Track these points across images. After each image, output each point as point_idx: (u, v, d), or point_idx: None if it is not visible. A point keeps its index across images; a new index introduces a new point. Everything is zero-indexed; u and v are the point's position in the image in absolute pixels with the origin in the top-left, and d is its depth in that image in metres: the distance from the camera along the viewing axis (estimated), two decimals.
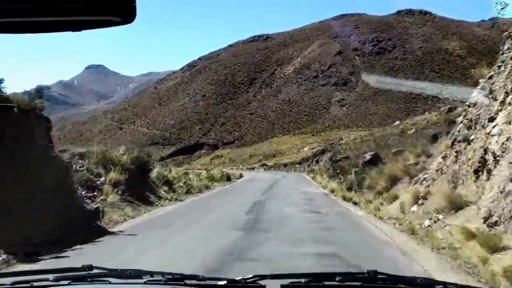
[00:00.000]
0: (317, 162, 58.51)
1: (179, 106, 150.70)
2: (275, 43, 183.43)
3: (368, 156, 25.64)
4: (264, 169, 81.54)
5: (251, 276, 2.11)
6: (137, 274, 2.18)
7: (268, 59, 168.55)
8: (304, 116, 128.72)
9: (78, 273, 2.19)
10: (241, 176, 46.47)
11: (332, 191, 21.91)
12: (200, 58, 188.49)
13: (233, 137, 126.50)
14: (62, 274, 2.14)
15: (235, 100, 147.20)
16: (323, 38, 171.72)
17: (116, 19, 1.50)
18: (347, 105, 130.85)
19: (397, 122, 55.21)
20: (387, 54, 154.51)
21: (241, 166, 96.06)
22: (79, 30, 1.54)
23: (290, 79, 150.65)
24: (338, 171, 32.86)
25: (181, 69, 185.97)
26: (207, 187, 26.17)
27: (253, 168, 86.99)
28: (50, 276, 2.07)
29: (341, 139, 54.43)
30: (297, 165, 69.85)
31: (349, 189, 20.06)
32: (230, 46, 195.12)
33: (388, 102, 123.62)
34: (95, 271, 2.20)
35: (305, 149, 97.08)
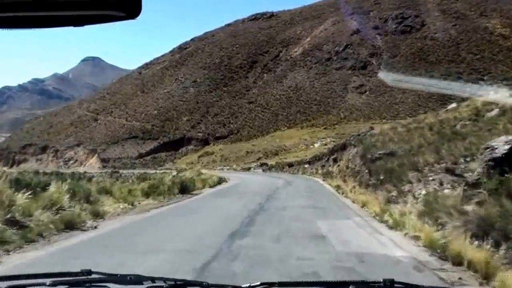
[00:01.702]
0: (335, 161, 44.89)
1: (164, 93, 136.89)
2: (281, 22, 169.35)
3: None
4: (263, 170, 68.09)
5: (258, 283, 2.11)
6: (137, 279, 2.20)
7: (272, 40, 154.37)
8: (315, 106, 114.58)
9: (76, 278, 2.22)
10: (220, 182, 32.79)
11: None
12: (192, 39, 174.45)
13: (228, 130, 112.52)
14: (59, 279, 2.17)
15: (232, 87, 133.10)
16: (337, 15, 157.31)
17: (120, 14, 1.50)
18: (367, 93, 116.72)
19: (453, 105, 41.79)
20: (414, 33, 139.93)
21: (234, 166, 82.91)
22: (81, 25, 1.55)
23: (297, 62, 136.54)
24: (381, 177, 19.57)
25: (170, 51, 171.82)
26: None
27: (249, 169, 73.73)
28: (47, 281, 2.10)
29: (372, 128, 39.96)
30: (306, 165, 56.13)
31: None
32: (228, 25, 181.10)
33: (418, 89, 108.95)
34: (93, 276, 2.23)
35: (316, 145, 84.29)
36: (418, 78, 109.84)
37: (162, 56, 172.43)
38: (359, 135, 41.67)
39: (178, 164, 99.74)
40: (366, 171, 24.15)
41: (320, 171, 46.62)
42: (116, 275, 2.28)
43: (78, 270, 2.32)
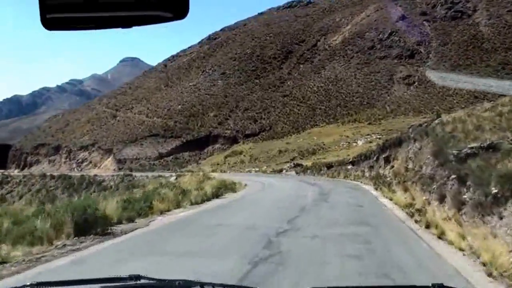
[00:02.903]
0: (387, 160, 36.00)
1: (190, 87, 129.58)
2: (318, 9, 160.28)
3: None
4: (297, 172, 59.58)
5: None
6: (186, 285, 2.25)
7: (309, 28, 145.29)
8: (357, 99, 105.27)
9: (125, 283, 2.28)
10: (217, 194, 24.48)
11: None
12: (222, 30, 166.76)
13: (259, 126, 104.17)
14: (109, 284, 2.27)
15: (264, 79, 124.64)
16: (379, 1, 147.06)
17: (167, 14, 1.59)
18: (415, 84, 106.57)
19: None
20: (466, 19, 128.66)
21: (264, 167, 74.56)
22: (130, 26, 1.63)
23: (337, 51, 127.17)
24: (493, 190, 10.17)
25: (199, 43, 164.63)
26: None
27: (280, 171, 65.24)
28: (97, 286, 2.21)
29: (439, 115, 30.56)
30: (349, 166, 47.14)
31: None
32: (261, 14, 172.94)
33: (475, 77, 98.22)
34: (142, 281, 2.28)
35: (359, 142, 75.61)
36: (466, 76, 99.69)
37: (190, 48, 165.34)
38: (421, 125, 32.54)
39: (203, 165, 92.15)
40: (452, 176, 15.30)
41: (367, 174, 37.77)
42: (165, 280, 2.31)
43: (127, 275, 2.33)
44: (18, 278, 6.42)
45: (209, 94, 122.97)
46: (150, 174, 71.50)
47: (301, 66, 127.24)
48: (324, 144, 79.65)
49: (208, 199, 20.27)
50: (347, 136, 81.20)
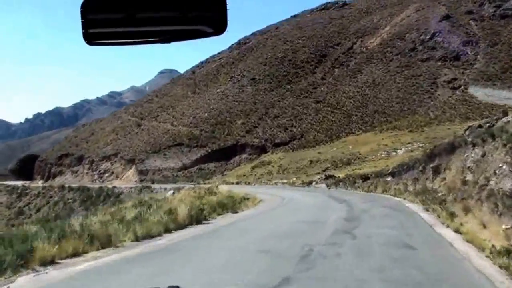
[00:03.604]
0: (437, 171, 29.73)
1: (217, 94, 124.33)
2: (355, 11, 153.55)
3: None
4: (328, 185, 53.39)
5: None
6: None
7: (345, 31, 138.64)
8: (396, 105, 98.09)
9: None
10: (228, 207, 18.43)
11: None
12: (253, 34, 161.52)
13: (289, 135, 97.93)
14: None
15: (296, 84, 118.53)
16: (421, 1, 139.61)
17: (207, 29, 1.63)
18: (462, 88, 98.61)
19: None
20: None
21: (294, 179, 68.60)
22: (169, 42, 1.67)
23: (375, 54, 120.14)
24: None
25: (229, 48, 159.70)
26: None
27: (310, 183, 59.10)
28: None
29: (505, 113, 23.66)
30: (388, 178, 40.84)
31: None
32: (294, 16, 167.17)
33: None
34: None
35: (400, 152, 69.35)
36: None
37: (219, 53, 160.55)
38: (481, 126, 25.98)
39: (228, 176, 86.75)
40: None
41: (411, 188, 31.48)
42: None
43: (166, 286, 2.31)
44: None
45: (237, 101, 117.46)
46: (171, 186, 67.10)
47: (336, 70, 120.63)
48: (360, 154, 73.17)
49: (180, 227, 14.28)
50: (386, 145, 74.51)
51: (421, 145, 68.66)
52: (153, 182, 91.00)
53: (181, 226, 14.39)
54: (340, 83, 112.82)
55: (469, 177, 22.91)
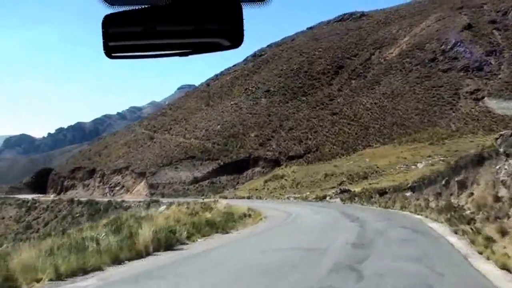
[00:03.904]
0: (463, 186, 26.60)
1: (231, 106, 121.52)
2: (372, 21, 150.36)
3: None
4: (342, 200, 50.01)
5: None
6: None
7: (362, 42, 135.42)
8: (416, 116, 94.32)
9: None
10: (219, 227, 14.87)
11: None
12: (269, 46, 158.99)
13: (304, 148, 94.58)
14: None
15: (312, 96, 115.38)
16: (442, 11, 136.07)
17: (225, 42, 1.68)
18: (485, 99, 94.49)
19: None
20: None
21: (307, 193, 65.33)
22: (187, 55, 1.72)
23: (393, 65, 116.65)
24: None
25: (244, 60, 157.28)
26: None
27: (324, 197, 55.84)
28: None
29: None
30: (408, 193, 37.49)
31: None
32: (310, 28, 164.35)
33: None
34: None
35: (420, 165, 65.65)
36: None
37: (234, 66, 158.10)
38: None
39: (240, 190, 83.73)
40: None
41: (433, 204, 28.06)
42: None
43: None
44: None
45: (251, 113, 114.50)
46: (180, 200, 64.48)
47: (353, 81, 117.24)
48: (377, 167, 69.60)
49: (137, 256, 11.09)
50: (405, 158, 70.86)
51: (442, 158, 65.16)
52: (163, 196, 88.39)
53: (139, 255, 11.23)
54: (357, 95, 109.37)
55: (503, 192, 19.55)
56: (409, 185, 37.97)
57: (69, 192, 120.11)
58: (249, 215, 26.98)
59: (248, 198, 71.40)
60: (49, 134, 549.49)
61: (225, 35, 1.60)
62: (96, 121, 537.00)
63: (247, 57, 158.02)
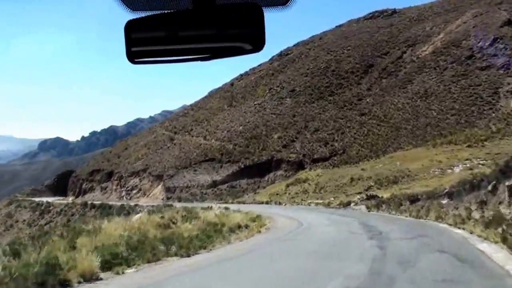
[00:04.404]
0: None
1: (254, 106, 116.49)
2: (405, 19, 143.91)
3: None
4: (368, 207, 44.75)
5: None
6: None
7: (394, 39, 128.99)
8: (452, 117, 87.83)
9: None
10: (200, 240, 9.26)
11: None
12: (296, 45, 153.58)
13: (330, 150, 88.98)
14: None
15: (339, 96, 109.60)
16: (479, 7, 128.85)
17: (247, 46, 1.70)
18: None
19: None
20: None
21: (331, 199, 60.07)
22: (209, 59, 1.74)
23: (427, 63, 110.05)
24: None
25: (270, 59, 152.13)
26: None
27: (348, 204, 50.58)
28: None
29: None
30: (444, 200, 31.91)
31: None
32: (339, 26, 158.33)
33: None
34: None
35: (456, 169, 59.70)
36: None
37: (259, 65, 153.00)
38: None
39: (260, 195, 78.74)
40: None
41: (477, 214, 22.58)
42: None
43: None
44: None
45: (275, 113, 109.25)
46: (196, 204, 60.63)
47: (384, 80, 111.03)
48: (409, 171, 63.67)
49: None
50: (440, 161, 64.72)
51: (481, 161, 58.99)
52: (179, 200, 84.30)
53: None
54: (388, 94, 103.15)
55: None
56: (445, 190, 32.35)
57: (87, 195, 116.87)
58: (246, 226, 21.98)
59: (267, 203, 66.74)
60: (83, 137, 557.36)
61: (247, 39, 1.62)
62: (129, 125, 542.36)
63: (273, 56, 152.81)
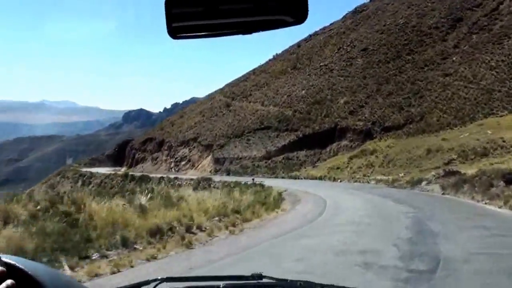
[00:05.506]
0: None
1: (320, 67, 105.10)
2: None
3: None
4: (443, 187, 33.50)
5: None
6: (307, 285, 2.34)
7: None
8: None
9: (248, 281, 2.40)
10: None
11: None
12: (372, 0, 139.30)
13: (405, 117, 76.90)
14: (232, 282, 2.38)
15: (420, 55, 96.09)
16: None
17: (288, 19, 1.68)
18: None
19: None
20: None
21: (401, 174, 49.14)
22: (250, 32, 1.75)
23: None
24: None
25: (342, 18, 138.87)
26: None
27: (420, 182, 39.46)
28: (221, 283, 2.30)
29: None
30: None
31: None
32: None
33: None
34: (264, 280, 2.37)
35: None
36: None
37: (331, 24, 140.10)
38: None
39: (318, 169, 68.74)
40: None
41: None
42: (286, 280, 2.37)
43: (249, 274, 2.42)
44: None
45: (343, 75, 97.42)
46: (242, 179, 52.08)
47: (474, 36, 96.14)
48: (504, 141, 51.49)
49: None
50: None
51: None
52: (228, 173, 75.81)
53: None
54: (479, 52, 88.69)
55: None
56: None
57: (139, 166, 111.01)
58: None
59: (320, 178, 56.95)
60: (165, 109, 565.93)
61: (289, 11, 1.60)
62: (208, 96, 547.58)
63: (346, 13, 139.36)
